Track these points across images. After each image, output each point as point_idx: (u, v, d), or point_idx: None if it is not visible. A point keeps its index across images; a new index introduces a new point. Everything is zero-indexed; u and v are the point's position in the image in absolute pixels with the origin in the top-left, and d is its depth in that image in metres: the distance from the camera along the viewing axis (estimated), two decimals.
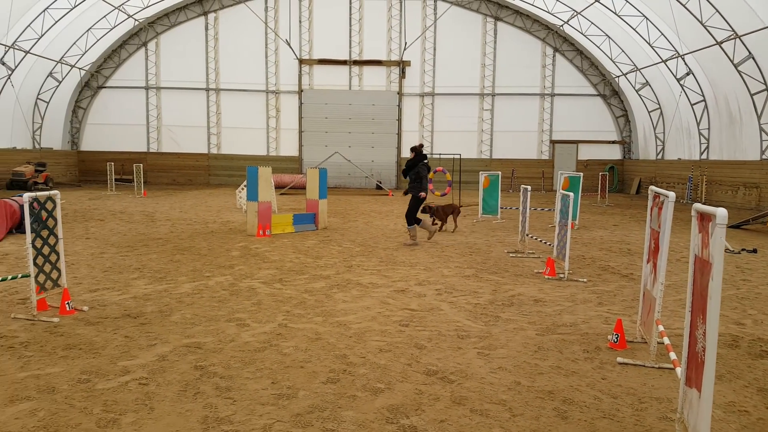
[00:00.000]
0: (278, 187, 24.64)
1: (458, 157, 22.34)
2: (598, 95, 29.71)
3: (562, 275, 8.03)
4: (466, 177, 25.92)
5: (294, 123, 30.27)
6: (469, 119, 30.01)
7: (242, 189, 17.47)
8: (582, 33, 27.59)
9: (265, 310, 6.13)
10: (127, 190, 23.80)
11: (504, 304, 6.64)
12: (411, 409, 3.79)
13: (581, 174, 14.06)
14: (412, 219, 10.72)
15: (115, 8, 26.27)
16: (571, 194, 8.03)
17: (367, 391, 4.07)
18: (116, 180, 25.14)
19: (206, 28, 29.82)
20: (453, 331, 5.54)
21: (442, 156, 23.64)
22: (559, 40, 29.41)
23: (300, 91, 29.96)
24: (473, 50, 29.78)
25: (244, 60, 29.78)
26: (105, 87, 30.02)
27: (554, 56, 29.65)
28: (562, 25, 28.16)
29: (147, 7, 27.72)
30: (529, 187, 10.14)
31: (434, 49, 29.81)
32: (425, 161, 10.67)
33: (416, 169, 10.55)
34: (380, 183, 28.79)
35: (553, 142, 30.20)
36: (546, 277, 8.11)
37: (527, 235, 10.01)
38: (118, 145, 29.97)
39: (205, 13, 29.69)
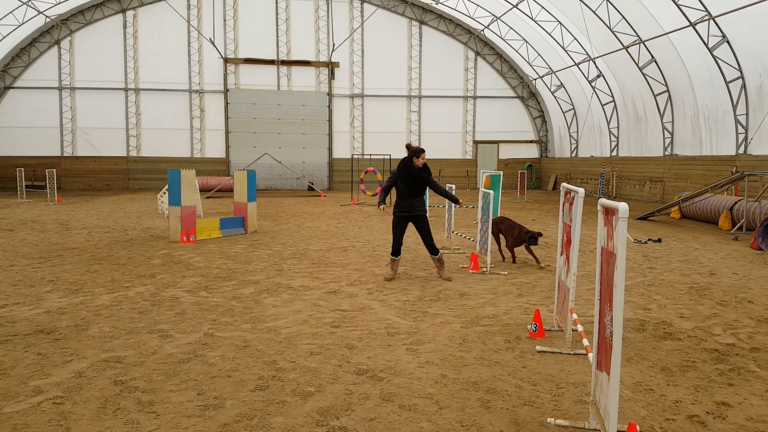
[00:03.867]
0: (204, 190, 23.91)
1: (388, 157, 22.59)
2: (516, 97, 31.05)
3: (484, 269, 8.35)
4: None
5: (220, 124, 29.46)
6: (398, 120, 30.45)
7: (164, 193, 16.82)
8: (501, 37, 28.68)
9: (190, 320, 5.95)
10: (39, 197, 22.27)
11: (432, 299, 6.80)
12: (341, 410, 3.82)
13: (501, 172, 14.67)
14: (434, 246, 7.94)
15: (24, 3, 24.52)
16: (492, 192, 8.36)
17: (297, 395, 4.06)
18: (27, 187, 23.53)
19: (124, 26, 28.44)
20: (383, 329, 5.62)
21: (372, 156, 23.84)
22: (480, 44, 30.40)
23: (226, 91, 29.19)
24: (400, 53, 30.22)
25: (165, 59, 28.64)
26: (13, 87, 27.91)
27: (476, 60, 30.63)
28: (482, 30, 29.12)
29: (59, 3, 26.05)
30: (453, 186, 10.43)
31: (362, 51, 29.96)
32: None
33: (435, 181, 7.92)
34: (312, 184, 28.59)
35: (476, 143, 31.24)
36: (470, 271, 8.40)
37: (453, 231, 10.28)
38: (28, 149, 27.98)
39: (123, 11, 28.31)
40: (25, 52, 27.80)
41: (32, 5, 25.03)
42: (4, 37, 25.91)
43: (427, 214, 8.08)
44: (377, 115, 30.27)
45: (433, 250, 7.85)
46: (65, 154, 28.65)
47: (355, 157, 26.76)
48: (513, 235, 8.79)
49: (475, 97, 30.81)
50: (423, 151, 7.78)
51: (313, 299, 6.82)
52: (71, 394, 4.06)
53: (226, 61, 28.95)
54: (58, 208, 18.62)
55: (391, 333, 5.48)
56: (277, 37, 29.40)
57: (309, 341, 5.24)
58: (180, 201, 11.26)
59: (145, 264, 9.03)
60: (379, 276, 8.16)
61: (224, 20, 28.92)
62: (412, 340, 5.29)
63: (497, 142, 31.30)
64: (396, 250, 7.82)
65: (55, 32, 27.87)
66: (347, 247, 10.84)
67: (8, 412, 3.78)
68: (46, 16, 26.67)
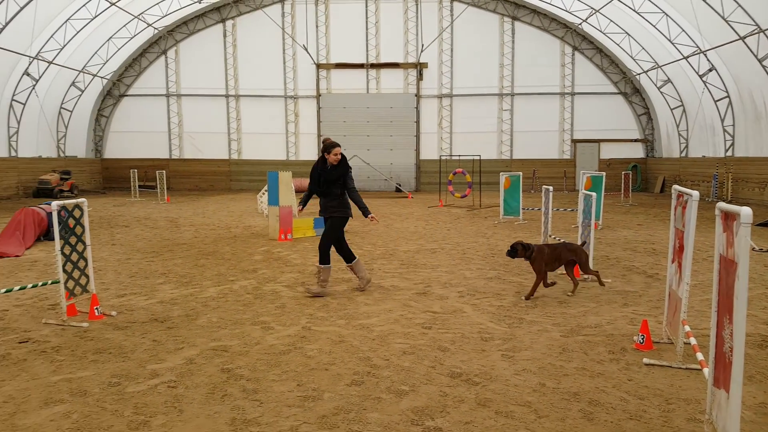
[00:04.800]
0: (298, 191, 24.85)
1: (478, 158, 22.27)
2: (619, 93, 29.36)
3: (585, 276, 7.97)
4: (487, 178, 25.84)
5: (313, 127, 30.49)
6: (489, 120, 29.89)
7: (263, 194, 17.65)
8: (601, 31, 27.31)
9: (289, 314, 6.20)
10: (150, 197, 24.19)
11: (528, 306, 6.61)
12: (436, 411, 3.81)
13: (603, 173, 13.92)
14: (327, 253, 7.03)
15: (135, 17, 26.77)
16: (594, 194, 7.97)
17: (392, 393, 4.10)
18: (140, 186, 25.53)
19: (224, 35, 30.20)
20: (476, 333, 5.54)
21: (461, 157, 23.58)
22: (578, 39, 29.15)
23: (318, 96, 30.16)
24: (491, 50, 29.67)
25: (262, 66, 30.08)
26: (126, 95, 30.58)
27: (573, 55, 29.40)
28: (580, 24, 27.92)
29: (166, 15, 28.19)
30: (551, 188, 10.08)
31: (451, 50, 29.78)
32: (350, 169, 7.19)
33: (349, 182, 7.08)
34: (399, 186, 28.83)
35: (574, 142, 29.93)
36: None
37: (550, 235, 9.94)
38: (140, 152, 30.49)
39: (223, 20, 30.08)
40: (137, 62, 30.33)
41: (142, 18, 27.27)
42: (119, 50, 28.45)
43: (342, 218, 7.05)
44: (466, 114, 29.90)
45: (322, 255, 6.98)
46: (173, 157, 30.92)
47: (443, 158, 26.65)
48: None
49: (573, 94, 29.57)
50: (336, 145, 6.97)
51: (403, 299, 6.86)
52: (183, 378, 4.37)
53: (319, 66, 29.91)
54: (168, 206, 20.12)
55: (485, 338, 5.39)
56: (367, 40, 29.94)
57: (401, 341, 5.28)
58: (278, 201, 11.79)
59: (248, 259, 9.53)
60: (471, 279, 8.06)
61: (316, 26, 29.89)
62: (507, 346, 5.17)
63: (598, 141, 29.79)
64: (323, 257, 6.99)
65: (162, 43, 30.17)
66: (436, 248, 10.81)
67: (130, 392, 4.13)
68: (155, 28, 28.92)
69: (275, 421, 3.66)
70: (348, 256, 7.24)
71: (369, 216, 7.17)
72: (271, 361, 4.74)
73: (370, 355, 4.89)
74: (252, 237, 12.30)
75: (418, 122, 30.08)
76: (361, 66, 29.92)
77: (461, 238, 12.14)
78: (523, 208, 15.30)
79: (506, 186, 15.19)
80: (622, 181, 22.44)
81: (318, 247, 7.07)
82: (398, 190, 28.56)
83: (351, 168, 7.19)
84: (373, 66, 29.93)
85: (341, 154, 7.03)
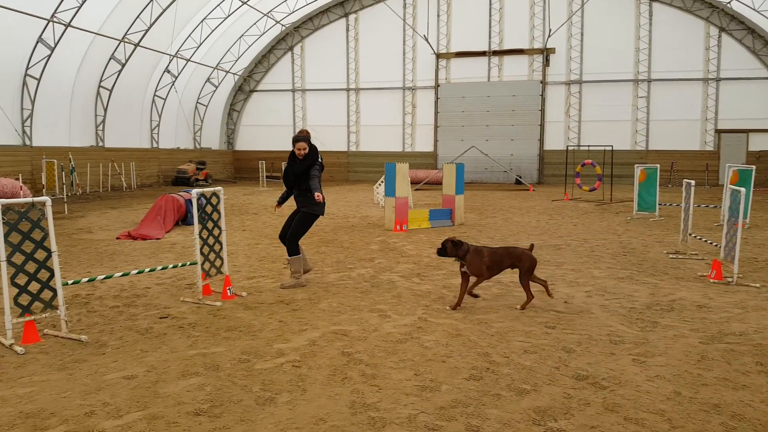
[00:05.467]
0: (413, 182, 24.99)
1: (610, 149, 20.81)
2: None
3: (730, 279, 7.16)
4: (619, 170, 24.12)
5: (430, 118, 30.46)
6: (622, 108, 27.87)
7: (379, 185, 17.96)
8: (754, 9, 24.24)
9: (405, 303, 6.22)
10: (276, 186, 25.60)
11: (663, 308, 6.04)
12: (559, 412, 3.60)
13: (753, 167, 12.40)
14: (296, 245, 7.04)
15: (264, 15, 28.47)
16: (743, 189, 7.10)
17: (512, 391, 3.93)
18: (267, 177, 27.00)
19: (347, 29, 31.09)
20: (605, 335, 5.16)
21: (591, 148, 22.16)
22: (725, 19, 26.16)
23: (436, 86, 30.05)
24: (625, 34, 27.61)
25: (382, 58, 30.59)
26: (256, 91, 32.70)
27: (719, 37, 26.46)
28: (729, 2, 24.98)
29: (293, 12, 29.69)
30: (692, 182, 9.13)
31: (581, 35, 28.14)
32: (320, 161, 7.04)
33: (312, 172, 6.84)
34: (520, 177, 27.91)
35: (718, 132, 26.99)
36: (711, 280, 7.28)
37: (690, 234, 9.02)
38: (268, 144, 32.45)
39: (346, 15, 30.96)
40: (265, 59, 32.24)
41: (271, 16, 28.89)
42: (249, 47, 30.44)
43: (311, 214, 6.94)
44: (597, 102, 28.11)
45: (289, 247, 6.95)
46: None
47: (571, 148, 25.29)
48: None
49: (718, 80, 26.65)
50: (301, 140, 6.74)
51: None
52: (306, 359, 4.53)
53: (438, 56, 29.75)
54: None
55: (615, 341, 5.00)
56: (490, 27, 29.22)
57: (522, 339, 5.06)
58: (395, 192, 11.90)
59: (365, 249, 9.74)
60: (600, 279, 7.54)
61: (438, 16, 29.73)
62: (639, 350, 4.75)
63: (746, 131, 26.64)
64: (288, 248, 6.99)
65: (289, 39, 31.77)
66: (561, 245, 10.26)
67: (258, 368, 4.36)
68: (282, 25, 30.54)
69: (393, 408, 3.66)
70: (289, 247, 7.02)
71: (315, 195, 6.72)
72: (388, 348, 4.77)
73: (489, 351, 4.73)
74: (369, 227, 12.55)
75: (542, 110, 28.86)
76: (482, 54, 29.30)
77: (589, 235, 11.43)
78: (659, 204, 14.08)
79: (641, 179, 14.06)
80: None
81: (286, 239, 6.96)
82: (518, 182, 27.66)
83: (320, 161, 6.95)
84: (495, 53, 29.17)
85: (311, 146, 6.85)
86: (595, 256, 9.18)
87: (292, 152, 6.93)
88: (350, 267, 8.20)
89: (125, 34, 22.58)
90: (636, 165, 14.59)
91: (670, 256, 9.05)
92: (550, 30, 27.82)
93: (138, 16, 22.36)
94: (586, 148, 22.62)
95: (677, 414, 3.59)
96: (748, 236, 10.86)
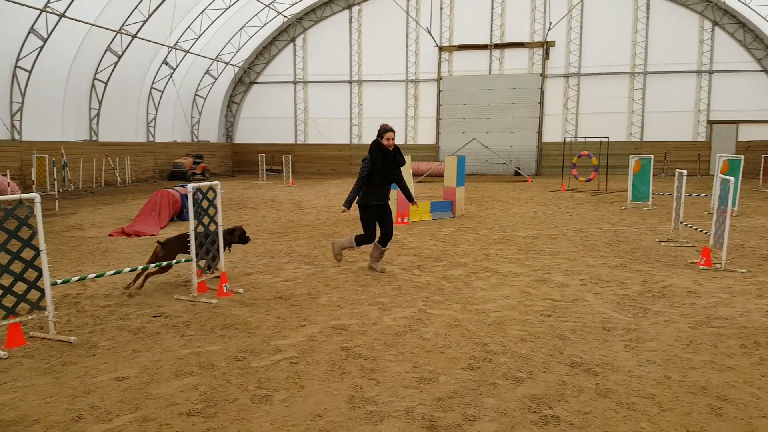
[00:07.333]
0: (415, 175, 25.06)
1: (606, 140, 20.90)
2: (762, 71, 26.24)
3: (718, 265, 7.35)
4: (615, 161, 24.24)
5: (432, 111, 30.47)
6: (618, 100, 27.97)
7: None
8: (746, 4, 24.31)
9: (405, 296, 6.32)
10: (276, 180, 25.63)
11: (654, 295, 6.18)
12: (554, 399, 3.72)
13: (742, 156, 12.61)
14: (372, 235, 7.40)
15: (266, 6, 28.31)
16: (732, 179, 7.24)
17: (508, 379, 4.05)
18: (267, 170, 26.89)
19: (350, 21, 30.99)
20: (598, 322, 5.28)
21: (587, 139, 22.30)
22: (719, 13, 26.29)
23: (439, 79, 30.03)
24: (623, 27, 27.67)
25: (384, 50, 30.50)
26: (256, 82, 32.60)
27: (713, 30, 26.61)
28: None
29: (295, 3, 29.53)
30: (684, 172, 9.24)
31: (581, 28, 28.12)
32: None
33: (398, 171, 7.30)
34: (519, 169, 27.98)
35: (710, 123, 27.18)
36: (701, 267, 7.45)
37: (681, 222, 9.14)
38: (268, 137, 32.43)
39: (349, 7, 30.85)
40: (267, 50, 32.12)
41: (273, 7, 28.77)
42: (250, 38, 30.30)
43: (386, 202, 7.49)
44: (595, 94, 28.19)
45: (388, 240, 7.47)
46: (298, 142, 32.58)
47: (568, 140, 25.34)
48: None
49: (710, 72, 26.80)
50: (391, 129, 7.10)
51: (521, 286, 6.70)
52: (304, 355, 4.57)
53: (441, 49, 29.71)
54: (292, 189, 21.30)
55: (608, 328, 5.13)
56: (492, 20, 29.17)
57: (519, 327, 5.18)
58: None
59: None
60: (594, 267, 7.66)
61: (440, 9, 29.67)
62: (631, 336, 4.89)
63: (736, 122, 26.86)
64: (373, 239, 7.37)
65: (291, 30, 31.66)
66: (557, 234, 10.38)
67: (254, 366, 4.36)
68: (284, 16, 30.41)
69: (392, 401, 3.75)
70: (388, 240, 7.50)
71: (414, 202, 7.83)
72: (387, 341, 4.87)
73: (486, 340, 4.85)
74: None
75: (542, 103, 28.87)
76: (484, 47, 29.26)
77: (584, 224, 11.54)
78: (652, 193, 14.20)
79: (636, 170, 14.16)
80: (762, 164, 20.26)
81: (390, 234, 7.39)
82: (517, 173, 27.74)
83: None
84: (497, 46, 29.14)
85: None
86: (589, 245, 9.30)
87: (379, 146, 7.05)
88: (351, 260, 8.31)
89: (122, 25, 22.19)
90: (630, 156, 14.70)
91: (662, 244, 9.19)
92: (550, 23, 27.78)
93: (136, 7, 21.98)
94: (583, 139, 22.73)
95: (666, 397, 3.73)
96: (736, 224, 11.01)
